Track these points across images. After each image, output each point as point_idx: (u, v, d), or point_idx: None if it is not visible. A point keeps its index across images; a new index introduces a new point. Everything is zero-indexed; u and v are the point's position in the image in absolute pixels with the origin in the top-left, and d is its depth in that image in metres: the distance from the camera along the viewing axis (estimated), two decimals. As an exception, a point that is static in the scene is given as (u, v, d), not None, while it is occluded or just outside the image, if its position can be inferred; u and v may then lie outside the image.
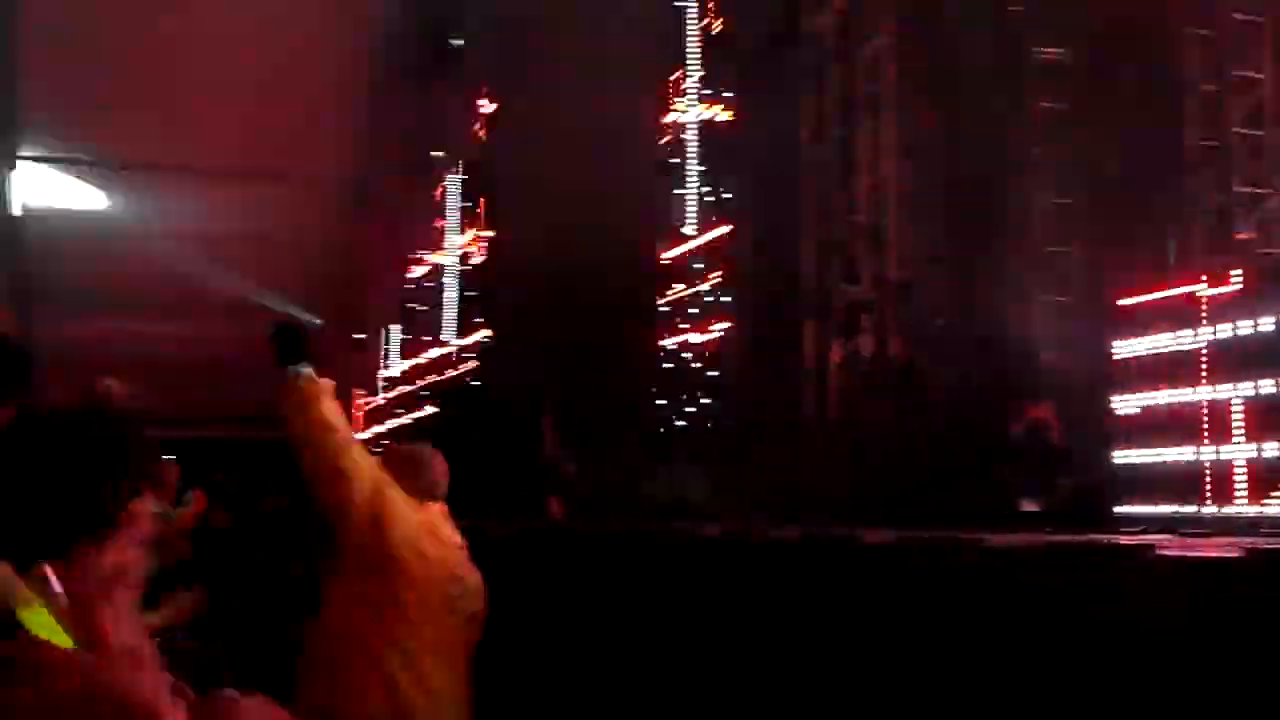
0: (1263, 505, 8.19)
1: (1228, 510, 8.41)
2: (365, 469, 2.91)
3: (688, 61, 19.27)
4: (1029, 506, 11.27)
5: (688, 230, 18.90)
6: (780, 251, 13.36)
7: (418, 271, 31.02)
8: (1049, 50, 14.30)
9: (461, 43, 27.99)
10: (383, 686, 2.87)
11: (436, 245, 29.59)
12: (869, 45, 13.07)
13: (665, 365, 18.85)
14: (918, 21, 13.36)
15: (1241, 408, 8.41)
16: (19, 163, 21.77)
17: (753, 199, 14.77)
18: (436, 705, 2.94)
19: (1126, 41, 13.44)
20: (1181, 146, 13.20)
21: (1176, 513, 8.74)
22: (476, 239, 26.99)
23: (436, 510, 3.12)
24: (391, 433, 29.02)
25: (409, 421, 28.76)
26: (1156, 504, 9.00)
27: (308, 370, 2.90)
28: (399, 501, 2.94)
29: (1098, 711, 5.13)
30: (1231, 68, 13.25)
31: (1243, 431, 8.37)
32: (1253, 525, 7.98)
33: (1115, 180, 13.42)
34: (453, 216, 28.70)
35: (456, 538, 3.14)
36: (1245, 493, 8.34)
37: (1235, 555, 5.54)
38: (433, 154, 29.86)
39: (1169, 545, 6.62)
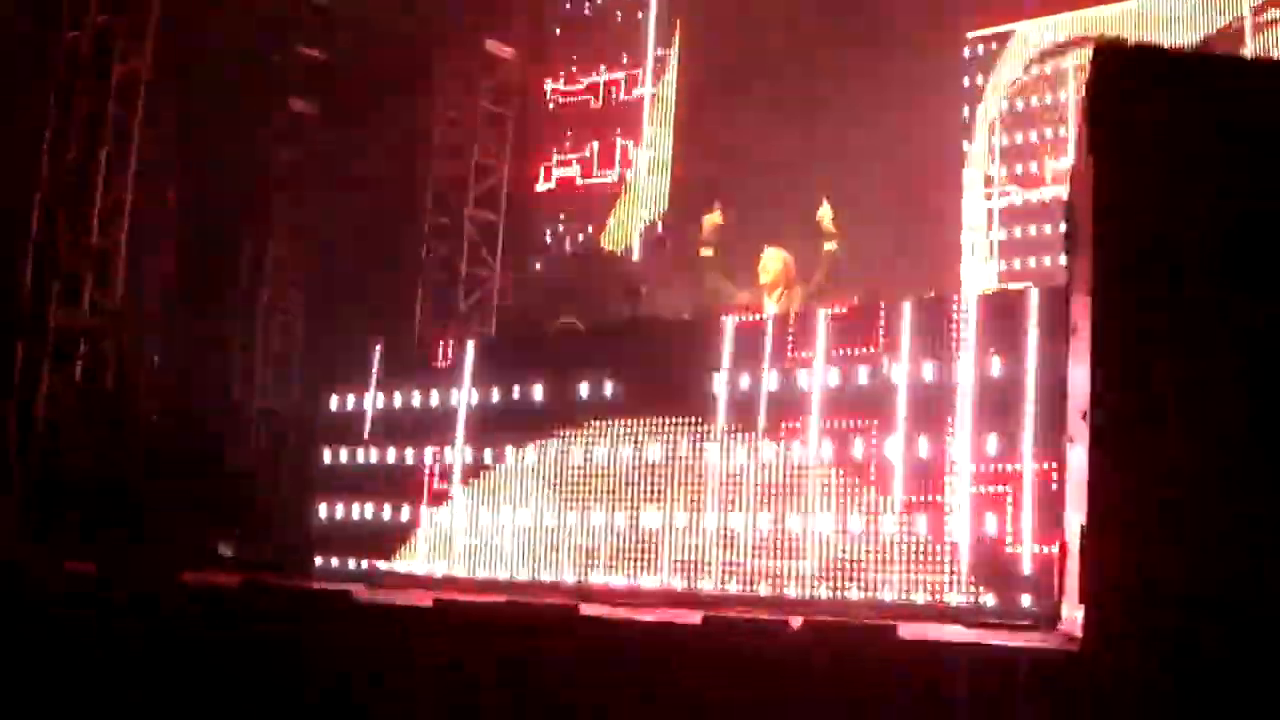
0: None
1: (415, 570, 8.87)
2: None
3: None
4: (226, 550, 11.31)
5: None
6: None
7: None
8: (299, 101, 14.73)
9: None
10: None
11: None
12: (123, 67, 12.67)
13: None
14: (177, 52, 13.19)
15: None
16: None
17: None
18: None
19: (375, 112, 14.17)
20: (422, 218, 14.13)
21: (373, 566, 9.11)
22: None
23: None
24: None
25: None
26: (358, 557, 9.29)
27: None
28: None
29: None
30: (476, 152, 14.44)
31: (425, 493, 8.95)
32: (440, 585, 8.44)
33: (350, 242, 14.02)
34: None
35: None
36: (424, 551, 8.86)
37: (426, 604, 5.94)
38: None
39: (363, 593, 6.93)
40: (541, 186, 14.52)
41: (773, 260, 8.97)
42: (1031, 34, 12.00)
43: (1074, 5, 11.78)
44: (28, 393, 12.19)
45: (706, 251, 9.22)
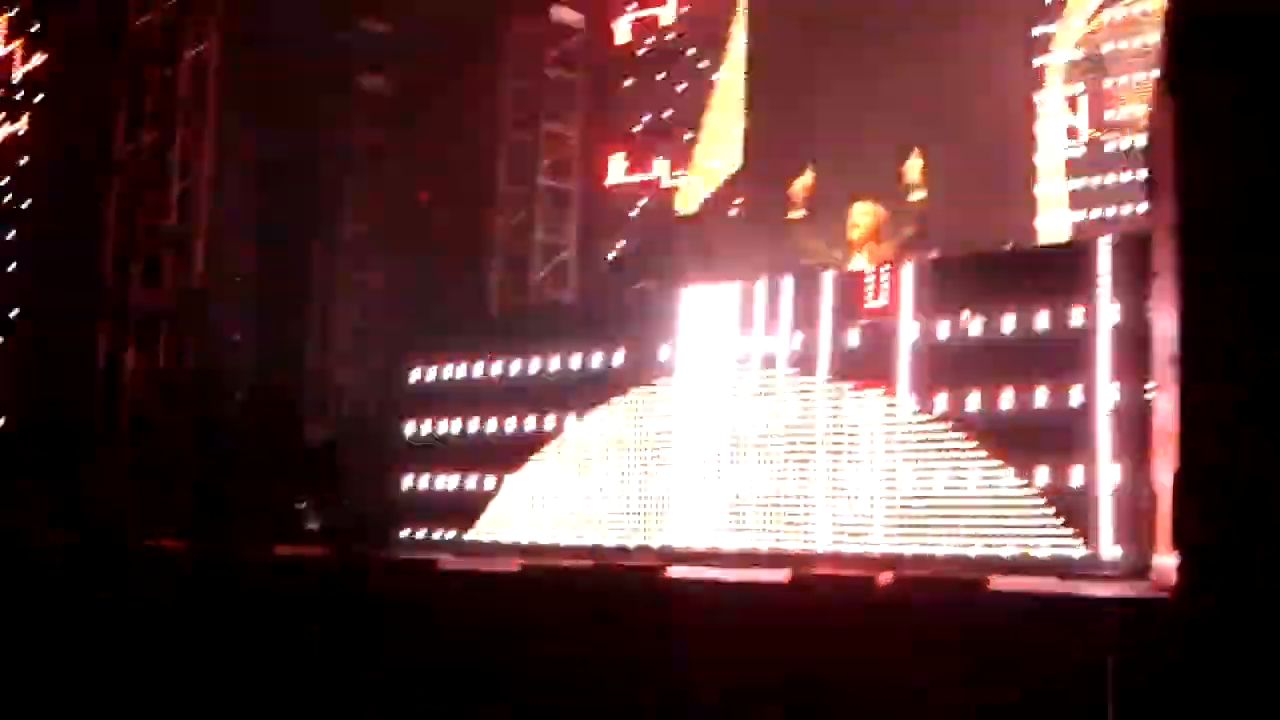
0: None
1: (498, 538, 8.93)
2: None
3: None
4: (314, 524, 11.45)
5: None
6: (78, 250, 12.76)
7: None
8: (371, 78, 14.83)
9: None
10: None
11: None
12: (193, 50, 12.83)
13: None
14: (245, 34, 13.31)
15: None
16: None
17: (52, 194, 13.99)
18: None
19: (444, 82, 14.22)
20: (493, 190, 14.20)
21: (456, 536, 9.19)
22: None
23: None
24: None
25: None
26: (440, 529, 9.38)
27: None
28: None
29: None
30: (545, 122, 14.46)
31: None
32: (524, 552, 8.50)
33: (425, 215, 14.12)
34: None
35: None
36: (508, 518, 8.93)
37: (512, 570, 5.98)
38: None
39: (450, 562, 6.99)
40: (613, 174, 14.45)
41: (863, 215, 8.93)
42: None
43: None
44: (113, 374, 12.40)
45: (796, 214, 9.19)
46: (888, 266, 7.69)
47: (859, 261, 8.70)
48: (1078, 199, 11.62)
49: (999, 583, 4.78)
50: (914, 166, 8.77)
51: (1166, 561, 4.53)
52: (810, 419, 7.40)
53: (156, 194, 12.68)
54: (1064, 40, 11.87)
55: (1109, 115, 11.57)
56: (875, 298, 7.33)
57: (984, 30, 11.44)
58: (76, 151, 13.28)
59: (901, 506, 6.95)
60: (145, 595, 6.85)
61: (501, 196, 14.39)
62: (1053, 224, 11.63)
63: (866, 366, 7.26)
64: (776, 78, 13.18)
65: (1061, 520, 6.42)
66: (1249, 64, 4.12)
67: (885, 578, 4.80)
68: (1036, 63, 11.93)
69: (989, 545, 6.60)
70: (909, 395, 7.04)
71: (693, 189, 13.95)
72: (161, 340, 12.61)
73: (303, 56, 13.65)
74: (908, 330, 7.14)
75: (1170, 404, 4.42)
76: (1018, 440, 6.63)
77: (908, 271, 7.32)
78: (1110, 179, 11.41)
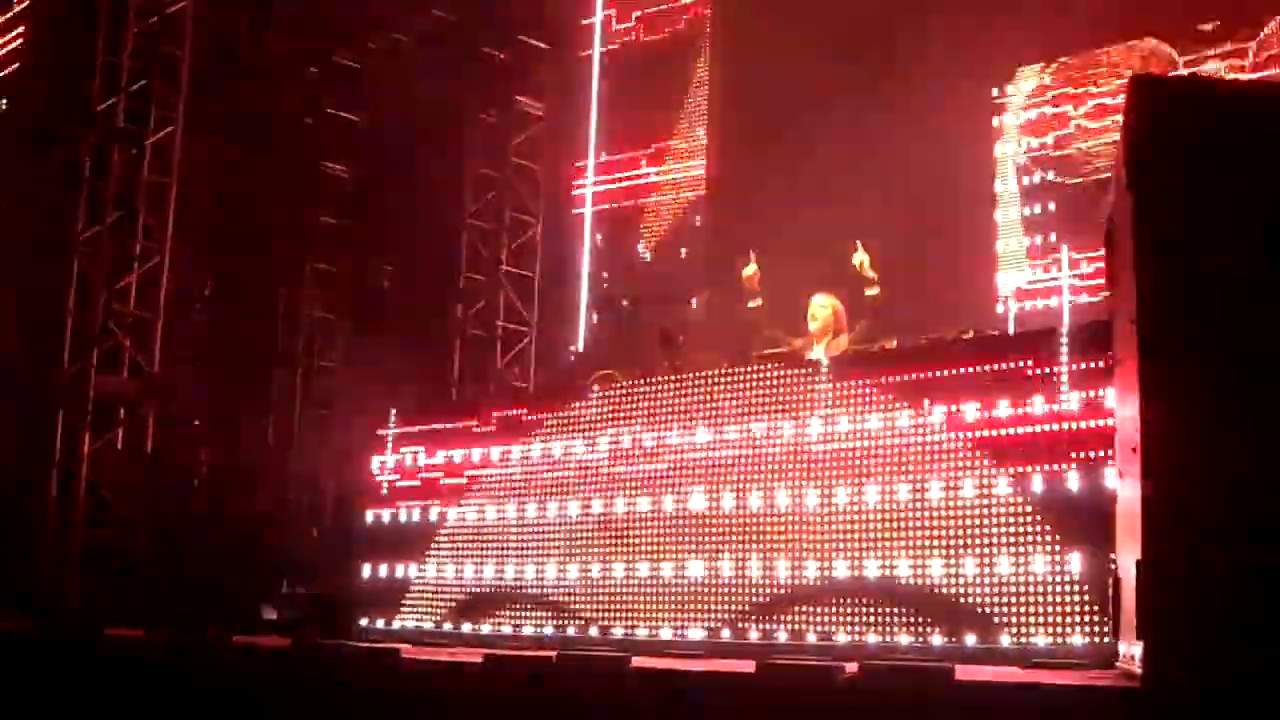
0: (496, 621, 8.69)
1: (461, 628, 8.85)
2: None
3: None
4: (270, 614, 11.30)
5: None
6: (37, 333, 12.68)
7: None
8: (334, 166, 14.89)
9: None
10: None
11: None
12: (156, 134, 12.86)
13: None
14: (208, 118, 13.38)
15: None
16: None
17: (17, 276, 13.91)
18: None
19: (408, 171, 14.32)
20: (457, 276, 14.24)
21: (417, 626, 9.10)
22: None
23: None
24: None
25: None
26: (399, 618, 9.29)
27: None
28: None
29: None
30: (508, 209, 14.55)
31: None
32: (486, 642, 8.42)
33: (386, 301, 14.15)
34: None
35: None
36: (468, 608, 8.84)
37: (476, 661, 5.90)
38: None
39: (412, 651, 6.91)
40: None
41: (821, 308, 8.96)
42: (1030, 76, 12.06)
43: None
44: (70, 461, 12.28)
45: (754, 303, 9.20)
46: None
47: (818, 352, 8.72)
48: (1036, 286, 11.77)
49: (964, 672, 4.75)
50: (862, 260, 8.75)
51: (1133, 650, 4.52)
52: (776, 506, 7.38)
53: (116, 278, 12.66)
54: (1011, 133, 12.09)
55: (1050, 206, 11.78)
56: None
57: (948, 115, 11.63)
58: (38, 234, 13.25)
59: (864, 594, 6.92)
60: (103, 684, 6.74)
61: (465, 284, 14.44)
62: (1013, 309, 11.78)
63: (827, 455, 7.26)
64: (737, 163, 13.35)
65: (1026, 608, 6.40)
66: (1207, 152, 4.17)
67: (850, 667, 4.77)
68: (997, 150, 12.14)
69: (951, 635, 6.58)
70: (871, 483, 7.04)
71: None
72: (119, 425, 12.53)
73: (267, 141, 13.70)
74: (868, 420, 7.17)
75: (1132, 491, 4.42)
76: (979, 528, 6.63)
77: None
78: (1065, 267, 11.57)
